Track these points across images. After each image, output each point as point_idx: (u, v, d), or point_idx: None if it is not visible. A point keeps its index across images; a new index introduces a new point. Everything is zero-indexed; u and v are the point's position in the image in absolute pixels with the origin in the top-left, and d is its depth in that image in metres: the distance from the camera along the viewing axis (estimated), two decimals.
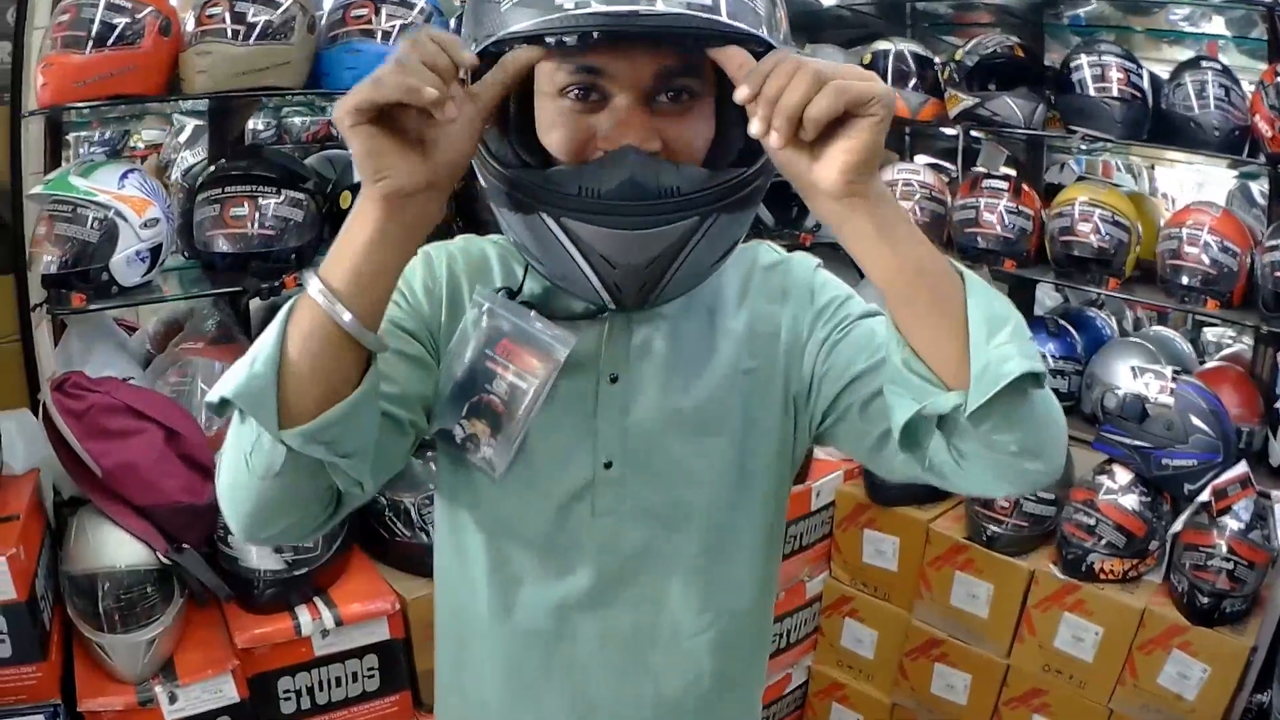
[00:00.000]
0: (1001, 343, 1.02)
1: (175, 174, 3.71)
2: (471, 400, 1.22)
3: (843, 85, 0.94)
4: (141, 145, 4.67)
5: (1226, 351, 3.87)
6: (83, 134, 4.20)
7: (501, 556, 1.30)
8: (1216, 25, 3.75)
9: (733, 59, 1.01)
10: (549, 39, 1.04)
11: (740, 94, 0.97)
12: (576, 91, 1.10)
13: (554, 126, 1.12)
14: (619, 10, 0.99)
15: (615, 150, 1.09)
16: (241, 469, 1.05)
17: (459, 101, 0.97)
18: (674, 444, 1.28)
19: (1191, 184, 4.73)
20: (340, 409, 1.01)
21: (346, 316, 0.99)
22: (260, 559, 2.34)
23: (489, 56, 1.06)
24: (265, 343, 1.01)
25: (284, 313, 1.02)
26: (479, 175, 1.16)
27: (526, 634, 1.32)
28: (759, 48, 1.04)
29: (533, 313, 1.22)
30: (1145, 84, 3.26)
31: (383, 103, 0.93)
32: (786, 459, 1.35)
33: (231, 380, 1.02)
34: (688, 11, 1.00)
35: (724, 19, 1.02)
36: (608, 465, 1.27)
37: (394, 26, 2.67)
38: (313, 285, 1.00)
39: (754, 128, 0.97)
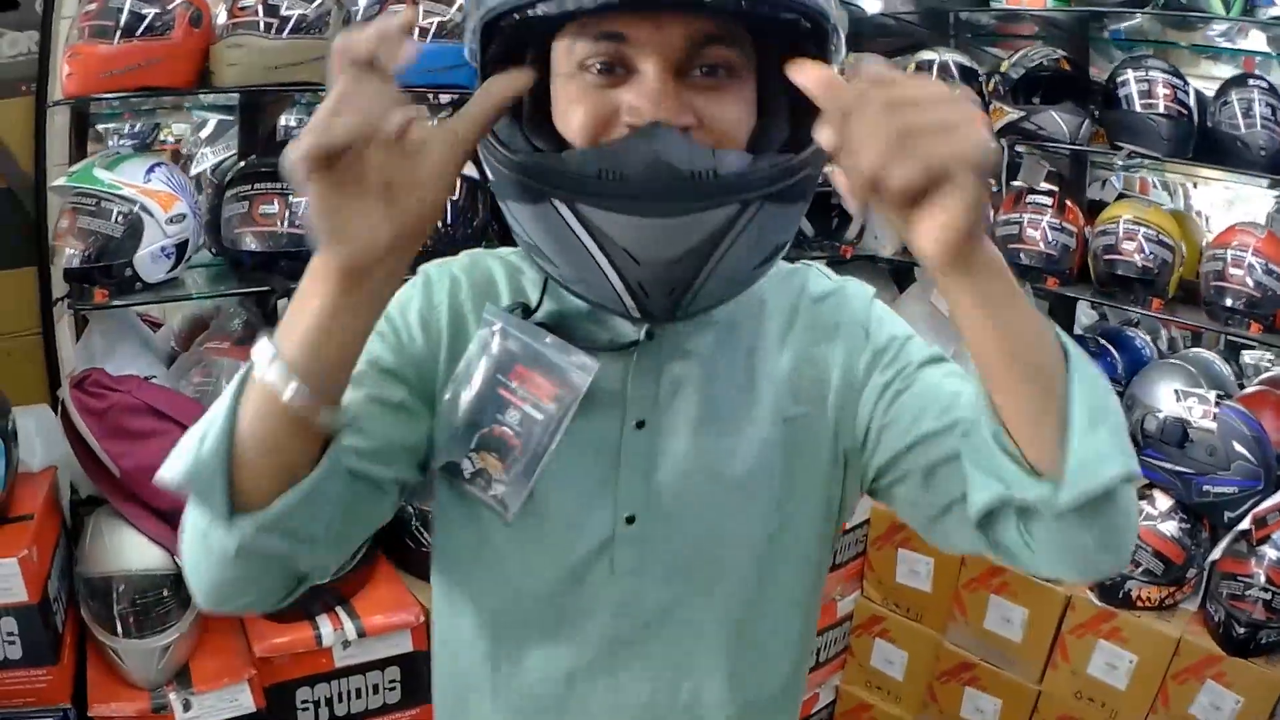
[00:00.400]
0: (1103, 438, 0.91)
1: (194, 169, 3.65)
2: (482, 431, 1.08)
3: (927, 153, 0.77)
4: (171, 139, 4.63)
5: (1266, 375, 3.80)
6: (111, 126, 4.17)
7: (506, 612, 1.17)
8: (1255, 40, 3.69)
9: (812, 77, 0.83)
10: (570, 3, 0.91)
11: (823, 138, 0.81)
12: (599, 64, 0.97)
13: (573, 106, 0.98)
14: None
15: (642, 126, 0.94)
16: (198, 547, 0.95)
17: (431, 134, 0.87)
18: (706, 500, 1.13)
19: (1222, 202, 4.65)
20: (295, 494, 0.90)
21: (294, 396, 0.87)
22: None
23: (494, 34, 0.99)
24: (215, 417, 0.91)
25: (235, 382, 0.91)
26: (487, 170, 1.02)
27: (531, 699, 1.18)
28: (821, 22, 0.96)
29: (549, 335, 1.08)
30: (1191, 101, 3.20)
31: (337, 146, 0.79)
32: (832, 518, 1.20)
33: (181, 459, 0.92)
34: None
35: None
36: (630, 520, 1.12)
37: (432, 24, 2.61)
38: (262, 355, 0.89)
39: (839, 183, 0.83)
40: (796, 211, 1.01)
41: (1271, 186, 3.49)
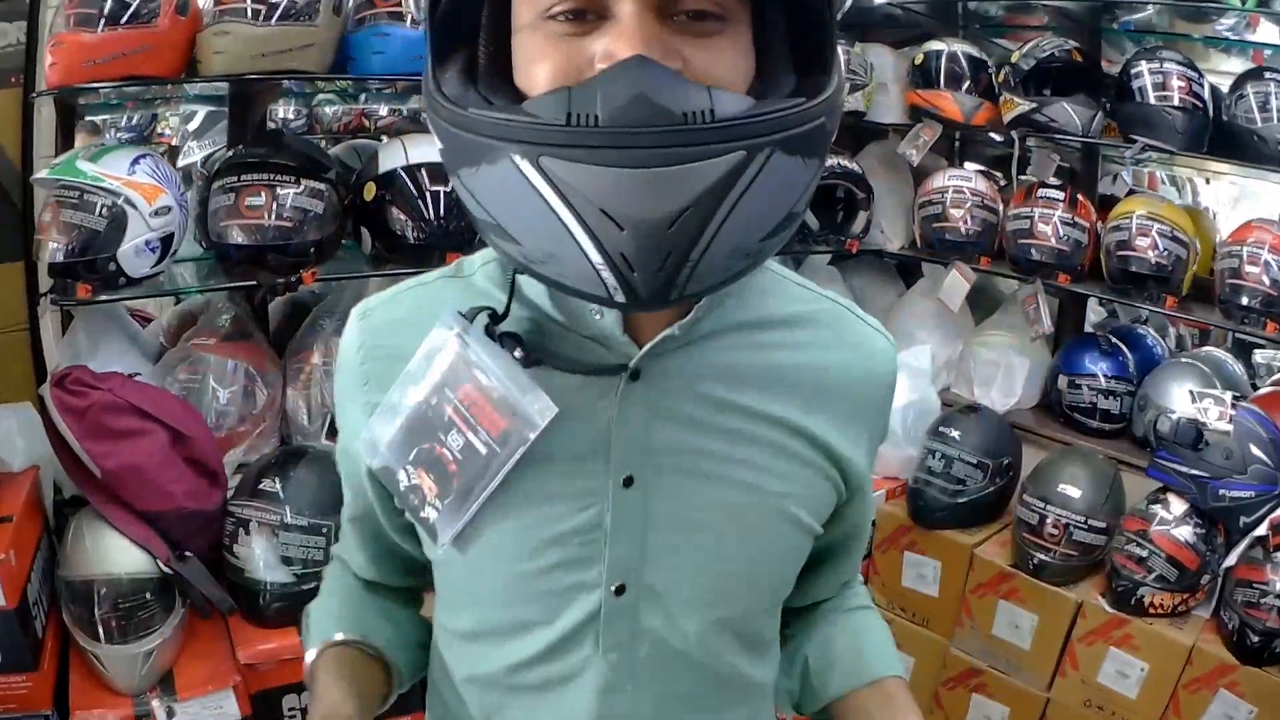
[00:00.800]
0: None
1: (181, 161, 3.60)
2: (422, 445, 0.97)
3: None
4: (169, 132, 4.60)
5: (1279, 376, 3.75)
6: (108, 118, 4.13)
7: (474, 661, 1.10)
8: (1266, 33, 3.66)
9: None
10: None
11: None
12: (568, 11, 0.83)
13: (537, 59, 0.84)
14: None
15: (620, 61, 0.78)
16: None
17: None
18: (723, 588, 1.05)
19: (1228, 198, 4.62)
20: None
21: None
22: (268, 570, 2.23)
23: None
24: None
25: None
26: (436, 140, 0.88)
27: None
28: None
29: (517, 352, 0.94)
30: (1206, 94, 3.16)
31: None
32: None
33: None
34: None
35: None
36: (619, 591, 1.01)
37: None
38: None
39: None
40: (810, 170, 0.85)
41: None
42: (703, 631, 1.04)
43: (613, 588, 1.00)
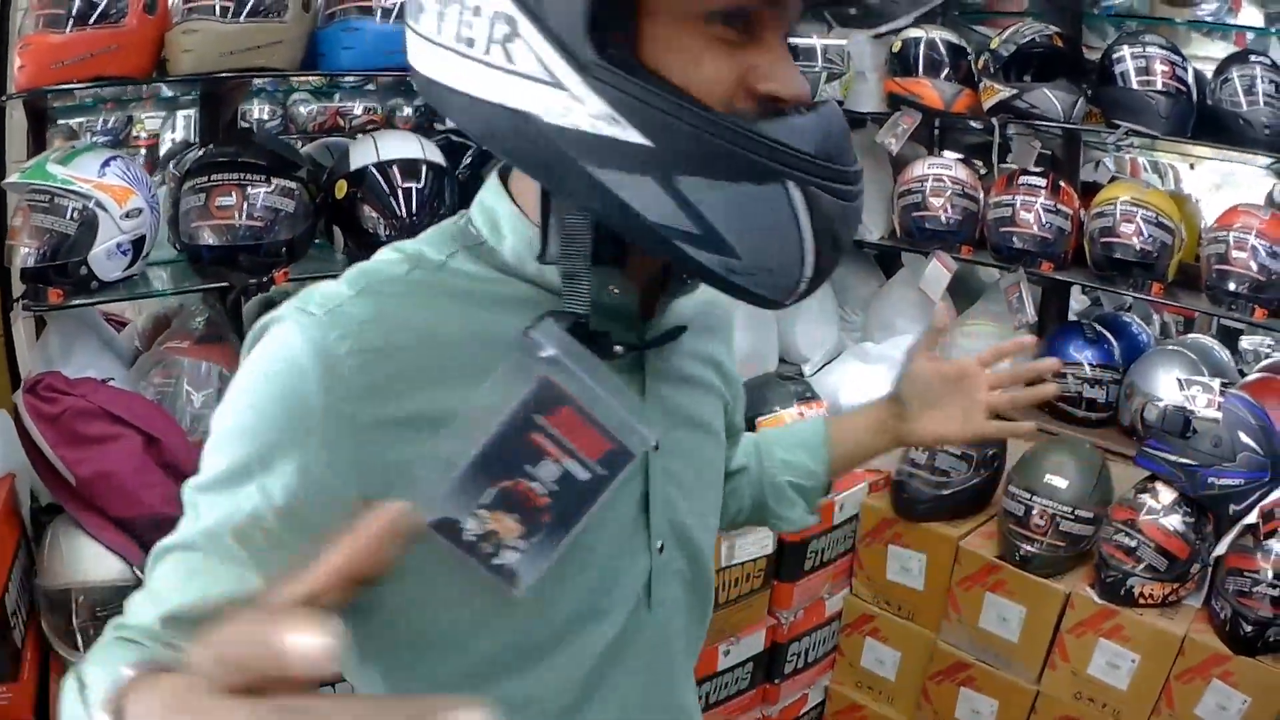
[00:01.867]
0: None
1: (163, 150, 3.62)
2: (502, 484, 0.86)
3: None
4: (144, 134, 4.61)
5: (1269, 362, 3.77)
6: (83, 121, 4.14)
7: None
8: (1249, 16, 3.73)
9: None
10: None
11: None
12: (740, 21, 0.86)
13: (700, 62, 0.85)
14: None
15: (824, 104, 0.89)
16: None
17: None
18: (701, 512, 1.15)
19: (1210, 184, 4.66)
20: None
21: None
22: None
23: None
24: None
25: None
26: (645, 136, 0.82)
27: None
28: None
29: (611, 374, 0.88)
30: (1190, 78, 3.18)
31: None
32: None
33: None
34: None
35: None
36: (660, 550, 1.08)
37: (396, 3, 2.57)
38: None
39: None
40: None
41: (1273, 165, 3.49)
42: (707, 555, 1.17)
43: (657, 547, 1.07)
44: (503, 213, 0.98)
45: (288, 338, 0.89)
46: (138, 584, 1.99)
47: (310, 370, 0.87)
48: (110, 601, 2.09)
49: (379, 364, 0.89)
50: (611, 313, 0.95)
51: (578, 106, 0.82)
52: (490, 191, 1.01)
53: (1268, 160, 3.32)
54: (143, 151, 4.31)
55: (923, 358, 1.45)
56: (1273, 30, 3.76)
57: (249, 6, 2.40)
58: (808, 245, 0.86)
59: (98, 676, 0.77)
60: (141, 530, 2.16)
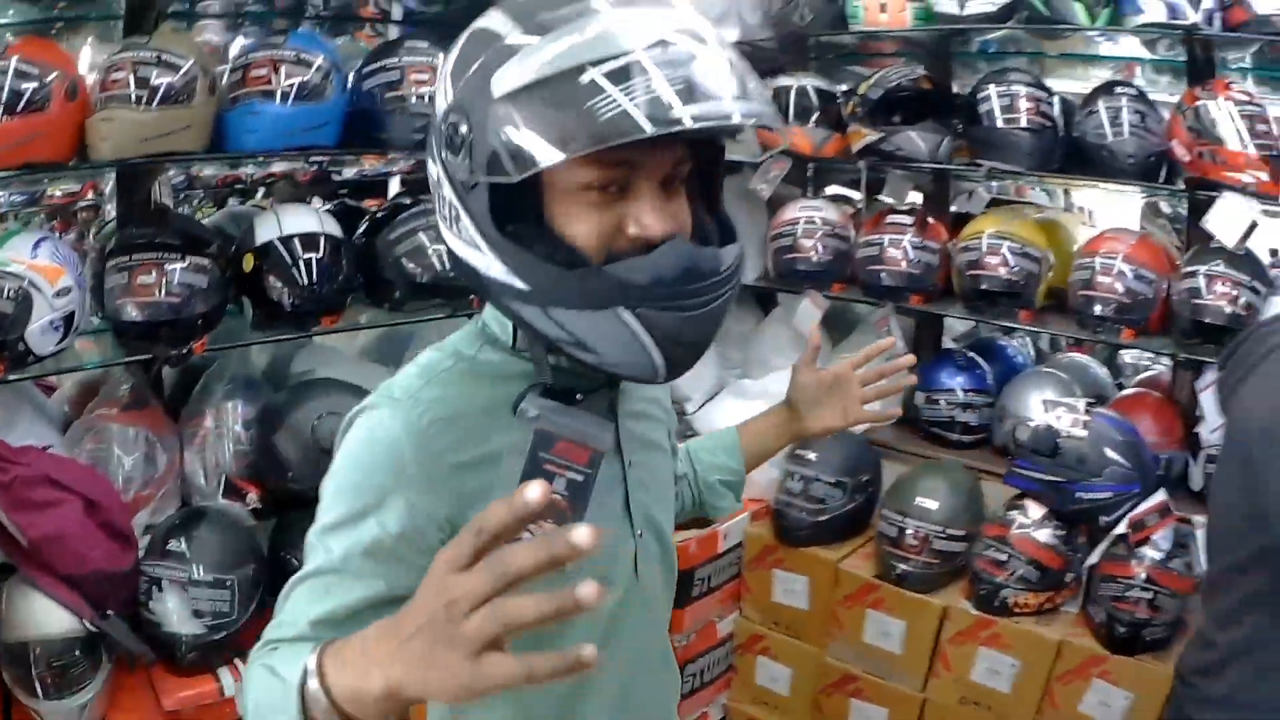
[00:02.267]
0: None
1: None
2: None
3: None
4: (59, 194, 5.02)
5: (1144, 376, 4.39)
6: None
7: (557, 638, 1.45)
8: (1132, 46, 4.25)
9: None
10: (644, 130, 1.23)
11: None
12: (611, 188, 1.35)
13: (579, 220, 1.36)
14: (718, 111, 1.27)
15: (670, 241, 1.36)
16: None
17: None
18: (663, 507, 1.79)
19: (1103, 199, 5.28)
20: None
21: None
22: (181, 623, 2.81)
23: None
24: None
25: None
26: (511, 277, 1.38)
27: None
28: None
29: (576, 407, 1.49)
30: (1056, 111, 3.76)
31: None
32: None
33: None
34: (760, 107, 1.33)
35: (770, 111, 1.41)
36: (640, 535, 1.68)
37: (292, 85, 3.12)
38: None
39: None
40: None
41: (1145, 192, 4.06)
42: (670, 539, 1.83)
43: (638, 534, 1.68)
44: (506, 319, 1.54)
45: (383, 418, 1.47)
46: (89, 635, 2.55)
47: (404, 437, 1.45)
48: (65, 652, 2.62)
49: (448, 428, 1.47)
50: (569, 376, 1.52)
51: (493, 264, 1.39)
52: (493, 314, 1.58)
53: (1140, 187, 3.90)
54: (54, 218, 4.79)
55: (805, 371, 2.11)
56: (1148, 60, 4.36)
57: (160, 93, 2.91)
58: (651, 350, 1.36)
59: (283, 659, 1.26)
60: (87, 586, 2.68)
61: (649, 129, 1.22)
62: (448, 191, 1.43)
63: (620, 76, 1.24)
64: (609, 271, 1.36)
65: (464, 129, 1.34)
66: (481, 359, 1.57)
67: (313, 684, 1.15)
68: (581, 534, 0.95)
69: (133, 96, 2.90)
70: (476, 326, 1.62)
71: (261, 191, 6.33)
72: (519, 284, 1.39)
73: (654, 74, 1.24)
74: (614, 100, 1.23)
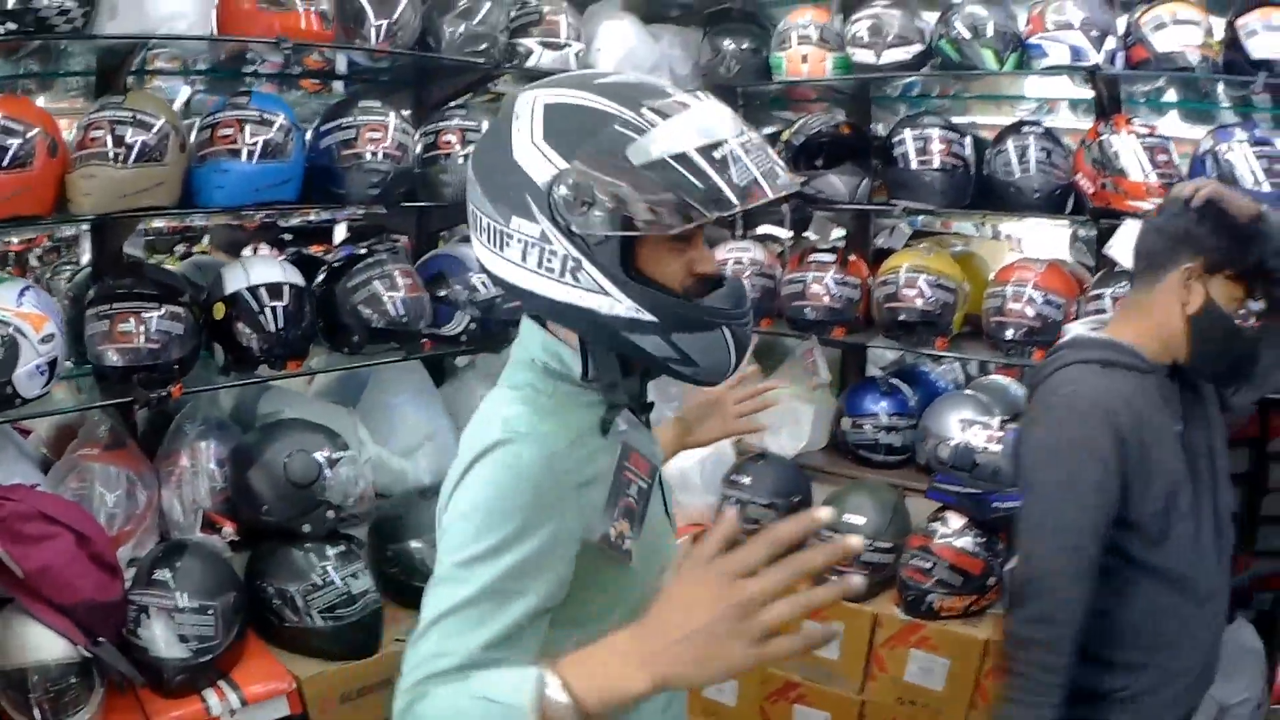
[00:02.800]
0: None
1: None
2: (618, 505, 1.70)
3: None
4: (15, 240, 5.15)
5: None
6: None
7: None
8: (1057, 84, 4.54)
9: None
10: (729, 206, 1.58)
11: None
12: (679, 240, 1.64)
13: (668, 264, 1.65)
14: (789, 183, 1.62)
15: (733, 279, 1.74)
16: None
17: None
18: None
19: (1033, 227, 5.56)
20: None
21: None
22: (167, 648, 2.98)
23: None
24: None
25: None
26: (643, 312, 1.62)
27: None
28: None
29: (641, 426, 1.84)
30: (968, 151, 4.08)
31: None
32: None
33: None
34: (793, 181, 1.66)
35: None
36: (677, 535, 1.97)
37: (257, 144, 3.34)
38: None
39: None
40: None
41: (1051, 221, 4.33)
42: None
43: (676, 535, 1.99)
44: (566, 355, 1.75)
45: (520, 451, 1.63)
46: (83, 662, 2.74)
47: (540, 466, 1.63)
48: (61, 677, 2.78)
49: (568, 454, 1.68)
50: (634, 398, 1.81)
51: (618, 304, 1.63)
52: (548, 342, 1.77)
53: (1048, 219, 4.20)
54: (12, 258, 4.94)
55: (697, 393, 2.35)
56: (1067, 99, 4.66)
57: (136, 150, 3.13)
58: (734, 357, 1.70)
59: (490, 685, 1.40)
60: (79, 615, 2.85)
61: (770, 193, 1.58)
62: (560, 246, 1.62)
63: (734, 156, 1.57)
64: (705, 303, 1.68)
65: (597, 191, 1.57)
66: (560, 393, 1.76)
67: (560, 697, 1.32)
68: (855, 541, 1.35)
69: (110, 153, 3.11)
70: (531, 367, 1.79)
71: (207, 238, 6.54)
72: (647, 317, 1.64)
73: (747, 156, 1.58)
74: (746, 170, 1.56)
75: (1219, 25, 3.73)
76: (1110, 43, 3.76)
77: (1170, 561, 2.45)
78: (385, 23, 3.66)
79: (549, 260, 1.64)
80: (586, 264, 1.62)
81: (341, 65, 4.16)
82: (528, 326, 1.82)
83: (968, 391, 4.41)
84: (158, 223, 5.25)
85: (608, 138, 1.58)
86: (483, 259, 1.75)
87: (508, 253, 1.68)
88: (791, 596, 1.26)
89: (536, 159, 1.61)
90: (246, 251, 5.72)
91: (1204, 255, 2.42)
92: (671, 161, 1.55)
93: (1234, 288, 2.44)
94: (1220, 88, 4.11)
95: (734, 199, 1.56)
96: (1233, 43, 3.63)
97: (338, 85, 4.59)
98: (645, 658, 1.31)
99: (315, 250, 5.28)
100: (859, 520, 3.76)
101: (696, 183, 1.55)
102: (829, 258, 4.33)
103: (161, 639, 2.98)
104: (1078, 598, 2.36)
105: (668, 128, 1.58)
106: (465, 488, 1.64)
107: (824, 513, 1.31)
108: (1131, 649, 2.47)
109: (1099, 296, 3.74)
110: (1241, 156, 3.57)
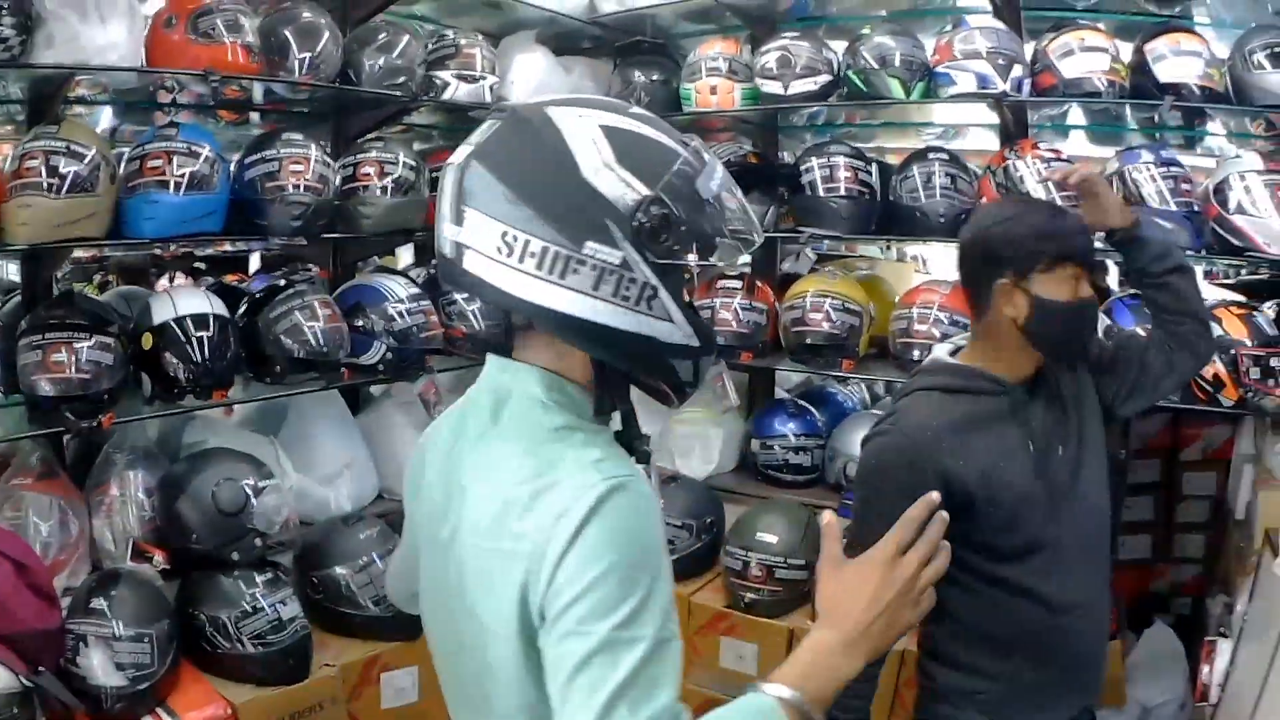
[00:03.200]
0: None
1: None
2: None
3: None
4: None
5: None
6: None
7: None
8: (967, 111, 4.72)
9: None
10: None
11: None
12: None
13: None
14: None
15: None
16: None
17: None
18: None
19: (940, 248, 5.74)
20: None
21: None
22: (106, 676, 3.00)
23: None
24: None
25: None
26: (671, 343, 1.62)
27: None
28: None
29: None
30: (874, 179, 4.21)
31: None
32: None
33: None
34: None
35: None
36: None
37: (184, 175, 3.39)
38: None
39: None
40: None
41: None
42: None
43: None
44: (571, 390, 1.68)
45: (631, 491, 1.54)
46: (24, 691, 2.75)
47: (650, 504, 1.58)
48: (4, 708, 2.76)
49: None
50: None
51: (677, 331, 1.62)
52: (552, 379, 1.68)
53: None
54: None
55: None
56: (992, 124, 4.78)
57: (69, 180, 3.16)
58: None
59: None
60: (20, 644, 2.84)
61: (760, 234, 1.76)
62: (641, 274, 1.56)
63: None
64: (710, 327, 1.76)
65: (675, 221, 1.56)
66: (589, 429, 1.69)
67: (805, 706, 1.51)
68: (944, 514, 1.61)
69: (45, 184, 3.14)
70: (546, 408, 1.67)
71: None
72: (695, 342, 1.65)
73: None
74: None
75: (1126, 50, 3.90)
76: (1017, 70, 3.91)
77: (1017, 575, 2.49)
78: (308, 55, 3.73)
79: (627, 288, 1.56)
80: (662, 291, 1.58)
81: (258, 95, 4.20)
82: (513, 367, 1.72)
83: (874, 411, 4.55)
84: (78, 252, 5.21)
85: (679, 171, 1.58)
86: (513, 285, 1.57)
87: (572, 279, 1.55)
88: (933, 562, 1.60)
89: (616, 183, 1.55)
90: (163, 282, 5.72)
91: (1010, 266, 2.46)
92: (723, 199, 1.64)
93: (1058, 271, 2.45)
94: (1128, 110, 4.29)
95: (758, 236, 1.73)
96: (1140, 67, 3.81)
97: (255, 115, 4.65)
98: (849, 644, 1.56)
99: (230, 280, 5.29)
100: (771, 539, 3.86)
101: (741, 220, 1.68)
102: (736, 284, 4.44)
103: (100, 667, 3.00)
104: None
105: (714, 167, 1.64)
106: (589, 547, 1.48)
107: (934, 495, 1.61)
108: (979, 654, 2.54)
109: None
110: (1148, 177, 3.74)
